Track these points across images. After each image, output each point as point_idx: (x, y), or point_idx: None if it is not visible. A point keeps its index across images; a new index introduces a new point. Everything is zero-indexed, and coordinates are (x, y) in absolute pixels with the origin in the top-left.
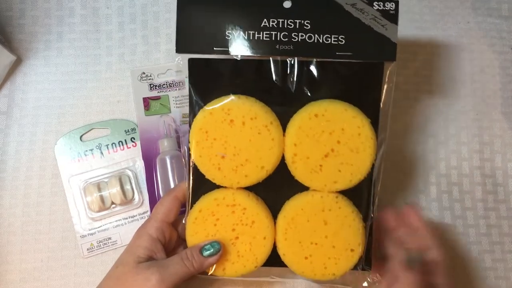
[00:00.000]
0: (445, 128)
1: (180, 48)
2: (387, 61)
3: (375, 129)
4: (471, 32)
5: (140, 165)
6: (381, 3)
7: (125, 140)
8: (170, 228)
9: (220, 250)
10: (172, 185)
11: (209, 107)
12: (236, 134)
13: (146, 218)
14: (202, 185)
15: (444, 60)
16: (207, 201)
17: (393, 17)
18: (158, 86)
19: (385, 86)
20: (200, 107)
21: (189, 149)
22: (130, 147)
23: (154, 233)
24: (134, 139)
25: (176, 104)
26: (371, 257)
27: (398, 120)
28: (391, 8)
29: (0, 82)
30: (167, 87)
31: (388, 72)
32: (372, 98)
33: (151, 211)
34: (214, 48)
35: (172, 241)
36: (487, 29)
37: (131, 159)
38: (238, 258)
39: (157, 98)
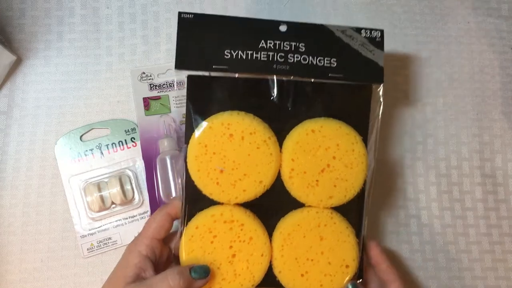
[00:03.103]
0: (445, 128)
1: (180, 64)
2: (375, 83)
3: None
4: (471, 32)
5: (140, 165)
6: (368, 31)
7: (125, 140)
8: (161, 244)
9: (208, 276)
10: (172, 185)
11: (208, 122)
12: (235, 149)
13: (146, 218)
14: (197, 202)
15: (444, 60)
16: (204, 217)
17: (379, 44)
18: (158, 86)
19: (374, 107)
20: (199, 123)
21: (185, 165)
22: (130, 147)
23: (144, 250)
24: (134, 139)
25: (176, 104)
26: (363, 271)
27: (398, 120)
28: (377, 36)
29: (0, 82)
30: (167, 87)
31: (376, 92)
32: (362, 117)
33: (151, 211)
34: (214, 66)
35: (163, 258)
36: (487, 29)
37: (131, 159)
38: (235, 277)
39: (157, 98)
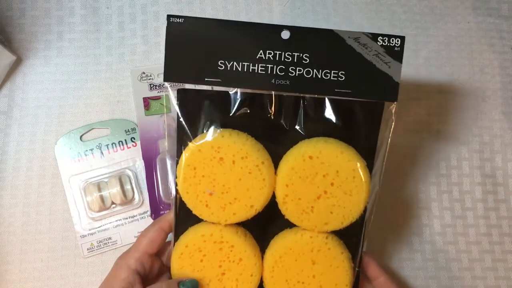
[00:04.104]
0: (445, 128)
1: (169, 77)
2: (388, 101)
3: (370, 171)
4: (471, 32)
5: (140, 165)
6: (386, 39)
7: (125, 140)
8: (152, 258)
9: None
10: (172, 185)
11: (197, 142)
12: (225, 173)
13: (146, 217)
14: (188, 219)
15: (444, 60)
16: (193, 236)
17: (398, 54)
18: (158, 86)
19: (384, 127)
20: (189, 140)
21: (176, 184)
22: (130, 147)
23: (133, 264)
24: (134, 139)
25: None
26: None
27: (399, 120)
28: (396, 44)
29: (0, 82)
30: (168, 86)
31: (388, 112)
32: (369, 139)
33: (151, 211)
34: (206, 79)
35: (153, 271)
36: (487, 29)
37: (131, 159)
38: None
39: (157, 98)
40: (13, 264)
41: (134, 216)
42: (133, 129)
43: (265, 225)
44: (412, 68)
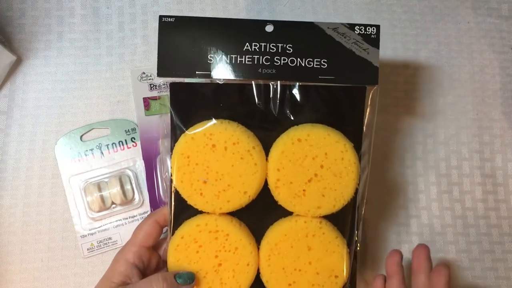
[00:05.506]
0: (445, 128)
1: (162, 72)
2: (369, 85)
3: (358, 153)
4: (471, 32)
5: (140, 165)
6: (362, 28)
7: (125, 140)
8: (150, 252)
9: (193, 283)
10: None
11: (190, 132)
12: (218, 159)
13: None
14: (184, 211)
15: (444, 60)
16: (189, 227)
17: (374, 41)
18: (158, 86)
19: (368, 110)
20: (182, 132)
21: (171, 174)
22: (130, 147)
23: (131, 258)
24: (134, 139)
25: None
26: (356, 281)
27: (398, 119)
28: (372, 33)
29: (0, 82)
30: (167, 87)
31: (370, 95)
32: (355, 122)
33: (151, 211)
34: (197, 72)
35: (152, 265)
36: (487, 29)
37: (131, 159)
38: (221, 286)
39: (157, 98)
40: (13, 264)
41: (134, 216)
42: (133, 129)
43: (259, 216)
44: (412, 68)
